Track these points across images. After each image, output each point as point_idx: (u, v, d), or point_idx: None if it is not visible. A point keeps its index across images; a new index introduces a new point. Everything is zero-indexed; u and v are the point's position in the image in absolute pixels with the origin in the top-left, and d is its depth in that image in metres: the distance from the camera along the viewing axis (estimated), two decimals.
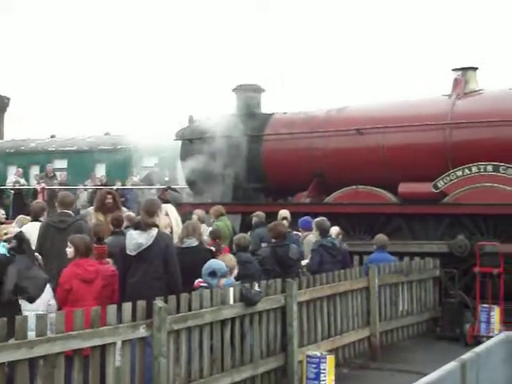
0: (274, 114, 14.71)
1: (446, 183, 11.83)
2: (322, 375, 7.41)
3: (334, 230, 10.73)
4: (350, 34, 38.45)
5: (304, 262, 9.77)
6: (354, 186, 12.70)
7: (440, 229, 11.86)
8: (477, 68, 13.01)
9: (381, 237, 10.74)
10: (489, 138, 11.75)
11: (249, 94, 15.04)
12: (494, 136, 11.72)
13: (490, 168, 11.49)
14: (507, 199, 11.19)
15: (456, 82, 12.81)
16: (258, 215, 11.32)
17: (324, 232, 9.96)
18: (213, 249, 8.54)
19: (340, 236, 10.87)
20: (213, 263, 7.55)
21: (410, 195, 12.28)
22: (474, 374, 3.78)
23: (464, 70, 12.88)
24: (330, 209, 12.59)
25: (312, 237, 10.34)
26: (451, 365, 3.63)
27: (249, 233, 10.69)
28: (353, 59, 37.51)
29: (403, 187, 12.33)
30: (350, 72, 37.42)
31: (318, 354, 7.56)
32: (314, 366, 7.44)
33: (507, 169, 11.34)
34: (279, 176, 13.85)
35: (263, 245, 9.95)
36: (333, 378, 7.55)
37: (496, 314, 10.37)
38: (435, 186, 11.89)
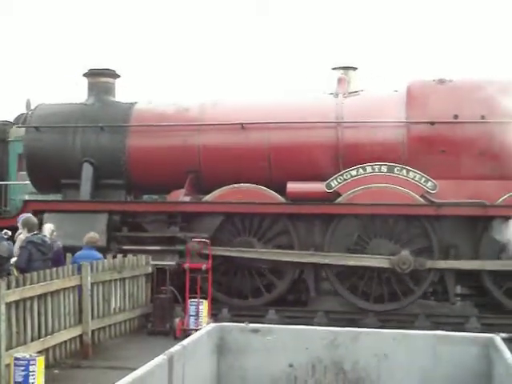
0: (136, 103, 13.30)
1: (339, 183, 11.57)
2: (31, 377, 7.18)
3: (48, 228, 10.46)
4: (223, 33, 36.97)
5: (13, 260, 9.41)
6: (236, 185, 11.94)
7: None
8: (356, 68, 13.07)
9: (90, 235, 10.71)
10: (378, 137, 11.79)
11: (102, 79, 13.55)
12: (382, 136, 11.78)
13: (384, 169, 11.50)
14: (400, 200, 11.31)
15: (340, 80, 12.73)
16: None
17: (31, 229, 9.66)
18: None
19: (54, 233, 10.61)
20: None
21: (299, 195, 11.78)
22: (180, 365, 3.93)
23: (344, 69, 12.89)
24: (217, 208, 11.90)
25: (23, 235, 9.97)
26: (159, 358, 3.74)
27: None
28: (219, 51, 36.06)
29: (292, 187, 11.81)
30: (219, 64, 35.86)
31: (27, 356, 7.32)
32: (23, 368, 7.18)
33: (401, 170, 11.44)
34: (147, 172, 12.61)
35: None
36: (42, 379, 7.34)
37: (204, 307, 10.85)
38: (328, 186, 11.60)
